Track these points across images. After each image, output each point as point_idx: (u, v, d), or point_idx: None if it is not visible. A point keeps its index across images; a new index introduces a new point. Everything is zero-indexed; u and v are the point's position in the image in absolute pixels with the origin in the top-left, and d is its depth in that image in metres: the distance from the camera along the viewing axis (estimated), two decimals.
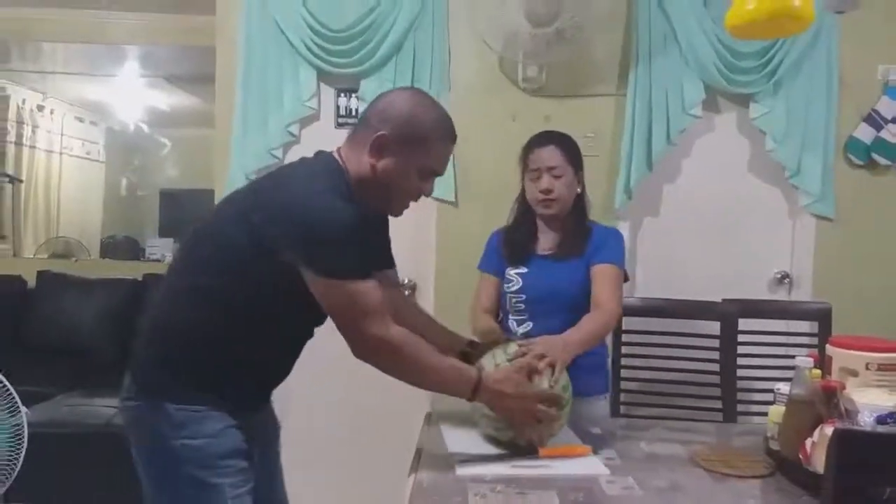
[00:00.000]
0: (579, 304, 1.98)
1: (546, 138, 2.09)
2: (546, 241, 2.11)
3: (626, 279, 2.10)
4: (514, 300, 2.10)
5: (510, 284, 2.10)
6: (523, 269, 2.10)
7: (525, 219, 2.14)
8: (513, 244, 2.13)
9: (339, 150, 1.54)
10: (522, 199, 2.14)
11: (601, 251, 2.04)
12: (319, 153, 1.55)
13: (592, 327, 1.88)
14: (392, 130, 1.47)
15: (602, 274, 2.00)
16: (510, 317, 2.12)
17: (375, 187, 1.50)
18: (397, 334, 1.44)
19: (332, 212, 1.36)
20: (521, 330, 2.08)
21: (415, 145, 1.49)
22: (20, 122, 4.59)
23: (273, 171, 1.58)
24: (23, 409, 2.11)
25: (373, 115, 1.51)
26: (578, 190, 2.10)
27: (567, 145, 2.08)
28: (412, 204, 1.63)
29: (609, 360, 2.17)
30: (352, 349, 1.44)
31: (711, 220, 2.97)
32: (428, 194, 1.59)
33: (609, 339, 2.48)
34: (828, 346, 1.74)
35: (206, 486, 1.42)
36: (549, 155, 2.04)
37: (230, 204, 1.52)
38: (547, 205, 2.05)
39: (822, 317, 2.48)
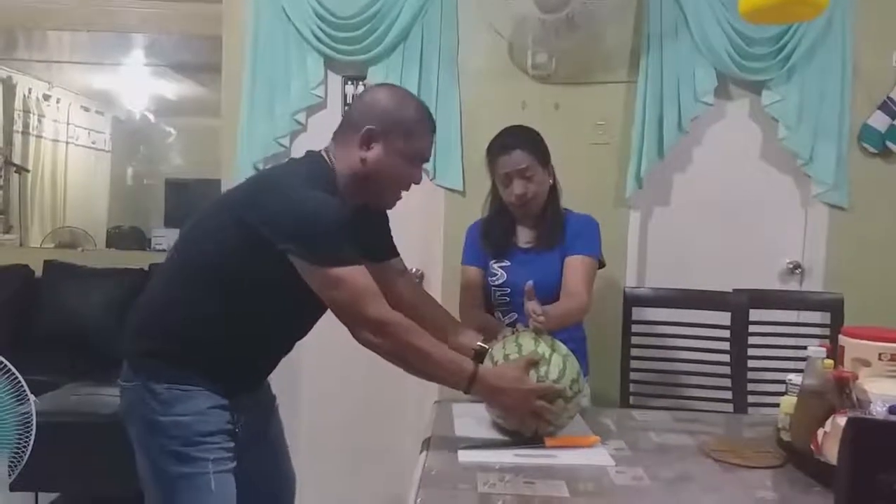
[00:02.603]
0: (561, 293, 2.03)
1: (509, 142, 2.09)
2: (525, 235, 2.15)
3: (601, 265, 2.15)
4: (498, 293, 2.15)
5: (495, 278, 2.14)
6: (506, 263, 2.14)
7: (501, 214, 2.17)
8: (492, 239, 2.16)
9: (325, 149, 1.62)
10: (496, 195, 2.17)
11: (577, 242, 2.08)
12: (308, 153, 1.63)
13: (557, 313, 1.86)
14: (379, 123, 1.55)
15: (575, 265, 2.05)
16: (495, 309, 2.16)
17: (368, 180, 1.58)
18: (395, 317, 1.48)
19: (319, 204, 1.44)
20: (506, 320, 2.12)
21: (400, 133, 1.57)
22: (26, 112, 4.58)
23: (264, 170, 1.70)
24: (31, 397, 2.12)
25: (358, 114, 1.60)
26: (550, 181, 2.12)
27: (531, 144, 2.09)
28: (419, 194, 1.70)
29: (587, 345, 2.20)
30: (352, 333, 1.49)
31: (722, 208, 2.93)
32: (418, 181, 1.66)
33: (618, 330, 2.48)
34: (840, 336, 1.73)
35: (191, 462, 1.48)
36: (516, 159, 2.05)
37: (224, 202, 1.60)
38: (523, 206, 2.09)
39: (834, 307, 2.46)
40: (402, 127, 1.57)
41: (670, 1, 2.77)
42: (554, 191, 2.14)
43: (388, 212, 1.82)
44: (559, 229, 2.11)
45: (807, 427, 1.49)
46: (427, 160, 1.67)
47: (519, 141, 2.09)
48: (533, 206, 2.10)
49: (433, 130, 1.65)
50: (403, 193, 1.67)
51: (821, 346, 1.58)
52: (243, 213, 1.49)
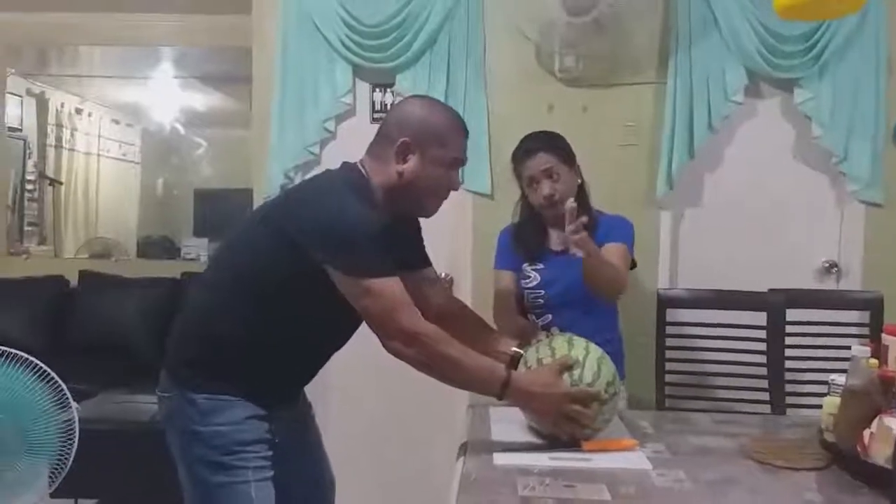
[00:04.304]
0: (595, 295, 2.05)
1: (532, 146, 2.11)
2: (557, 237, 2.15)
3: (633, 266, 2.15)
4: (531, 296, 2.15)
5: (528, 280, 2.15)
6: (540, 266, 2.14)
7: (532, 218, 2.18)
8: (525, 243, 2.17)
9: (361, 161, 1.63)
10: (525, 201, 2.18)
11: (610, 235, 2.10)
12: (344, 164, 1.65)
13: (601, 256, 1.93)
14: (413, 134, 1.57)
15: (610, 249, 2.06)
16: (529, 312, 2.17)
17: (406, 192, 1.59)
18: (425, 328, 1.48)
19: (354, 214, 1.46)
20: (540, 322, 2.13)
21: (434, 141, 1.58)
22: (59, 126, 4.68)
23: (302, 183, 1.74)
24: (73, 404, 2.15)
25: (391, 127, 1.61)
26: (579, 181, 2.14)
27: (555, 146, 2.10)
28: (447, 199, 1.70)
29: (623, 347, 2.20)
30: (382, 344, 1.50)
31: (756, 208, 2.90)
32: (456, 187, 1.68)
33: (652, 332, 2.46)
34: (883, 335, 1.69)
35: (231, 470, 1.51)
36: (541, 161, 2.08)
37: (262, 215, 1.63)
38: (552, 207, 2.08)
39: (874, 306, 2.41)
40: (437, 135, 1.59)
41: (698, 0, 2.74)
42: (582, 191, 2.15)
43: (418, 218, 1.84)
44: (591, 228, 2.10)
45: (852, 428, 1.46)
46: (464, 164, 1.68)
47: (541, 143, 2.11)
48: (562, 208, 2.09)
49: (466, 135, 1.66)
50: (435, 213, 1.69)
51: (865, 345, 1.55)
52: (280, 224, 1.51)
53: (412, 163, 1.57)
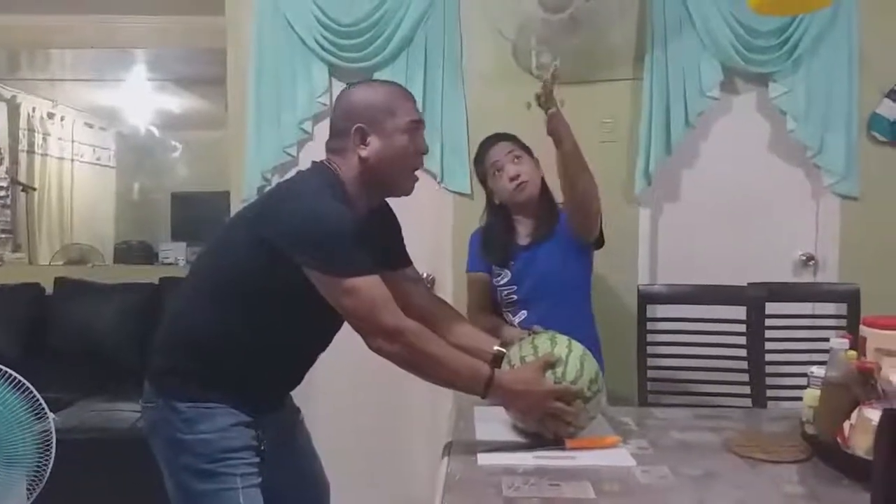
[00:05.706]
0: (566, 284, 2.12)
1: (492, 138, 2.21)
2: (524, 228, 2.20)
3: (601, 244, 2.19)
4: (505, 292, 2.18)
5: (500, 277, 2.18)
6: (510, 262, 2.17)
7: (499, 218, 2.22)
8: (493, 247, 2.20)
9: (328, 159, 1.62)
10: (490, 204, 2.24)
11: None
12: (314, 164, 1.63)
13: (578, 148, 2.01)
14: (362, 118, 1.56)
15: None
16: (503, 309, 2.20)
17: (378, 174, 1.58)
18: (408, 324, 1.48)
19: (331, 214, 1.45)
20: (516, 320, 2.16)
21: (385, 115, 1.57)
22: (31, 130, 4.59)
23: (277, 185, 1.73)
24: (50, 414, 2.11)
25: (340, 121, 1.60)
26: (541, 174, 2.19)
27: (513, 137, 2.20)
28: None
29: (601, 346, 2.20)
30: (366, 342, 1.49)
31: (733, 203, 2.92)
32: (424, 150, 1.64)
33: (631, 328, 2.46)
34: (862, 326, 1.71)
35: (218, 478, 1.49)
36: (503, 147, 2.16)
37: (240, 219, 1.62)
38: (521, 188, 2.13)
39: (851, 298, 2.44)
40: (384, 109, 1.57)
41: None
42: (545, 184, 2.20)
43: (398, 217, 1.83)
44: (556, 216, 2.15)
45: (832, 420, 1.47)
46: (423, 124, 1.65)
47: (499, 136, 2.21)
48: (529, 190, 2.13)
49: (413, 99, 1.65)
50: (413, 188, 1.66)
51: (843, 337, 1.57)
52: (258, 228, 1.50)
53: (373, 144, 1.56)
